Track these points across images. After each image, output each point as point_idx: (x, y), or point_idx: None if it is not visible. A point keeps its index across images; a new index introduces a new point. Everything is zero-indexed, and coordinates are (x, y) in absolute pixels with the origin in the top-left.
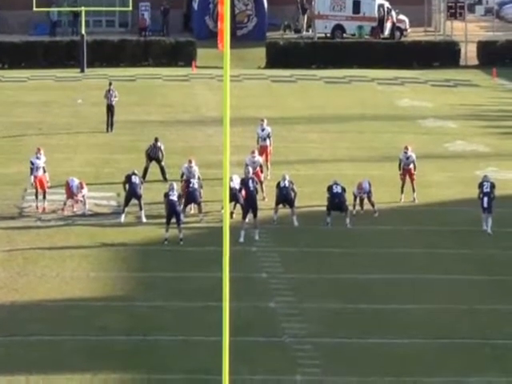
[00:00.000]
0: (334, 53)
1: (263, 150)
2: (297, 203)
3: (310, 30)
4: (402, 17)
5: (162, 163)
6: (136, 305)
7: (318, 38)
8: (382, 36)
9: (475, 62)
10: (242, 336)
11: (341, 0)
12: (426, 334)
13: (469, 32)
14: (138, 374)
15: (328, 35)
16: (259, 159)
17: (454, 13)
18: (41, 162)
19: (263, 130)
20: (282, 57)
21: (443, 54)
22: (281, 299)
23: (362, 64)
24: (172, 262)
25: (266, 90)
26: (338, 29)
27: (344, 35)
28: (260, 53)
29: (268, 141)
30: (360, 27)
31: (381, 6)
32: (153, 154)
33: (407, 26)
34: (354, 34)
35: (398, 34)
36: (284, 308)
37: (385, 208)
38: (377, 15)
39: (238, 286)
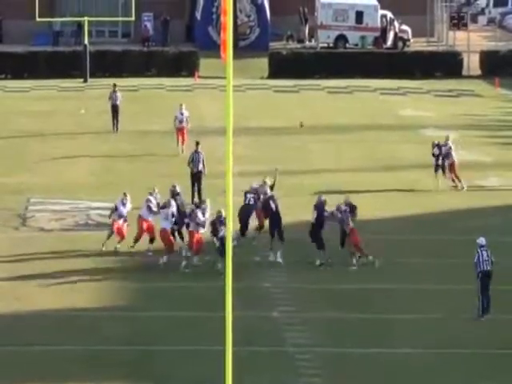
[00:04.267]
0: (337, 63)
1: (181, 131)
2: (296, 213)
3: (313, 40)
4: (404, 27)
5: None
6: (139, 315)
7: (321, 47)
8: (384, 46)
9: (478, 72)
10: (244, 346)
11: (344, 10)
12: (426, 344)
13: (471, 42)
14: None
15: (331, 45)
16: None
17: (457, 23)
18: (125, 211)
19: (182, 113)
20: (284, 67)
21: (446, 64)
22: (283, 309)
23: (364, 74)
24: (175, 271)
25: (268, 100)
26: (341, 39)
27: (347, 45)
28: (263, 63)
29: (185, 123)
30: (363, 37)
31: (383, 16)
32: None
33: (410, 36)
34: (356, 44)
35: (400, 44)
36: (286, 318)
37: (384, 217)
38: (379, 25)
39: (241, 295)
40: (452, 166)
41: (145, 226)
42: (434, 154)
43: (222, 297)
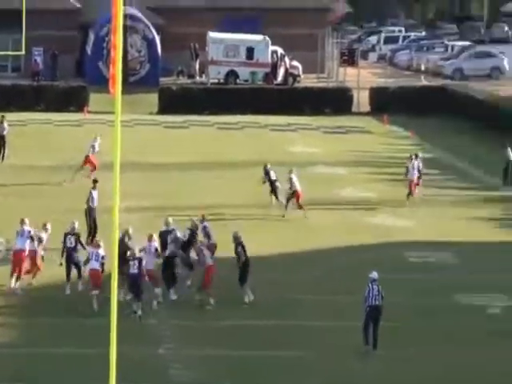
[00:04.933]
0: (227, 98)
1: (90, 160)
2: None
3: (204, 76)
4: (295, 63)
5: None
6: (20, 351)
7: (212, 83)
8: (275, 82)
9: (367, 108)
10: (128, 382)
11: (234, 46)
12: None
13: (362, 79)
14: None
15: (221, 81)
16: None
17: (347, 59)
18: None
19: (94, 145)
20: (174, 102)
21: (336, 101)
22: (168, 346)
23: (255, 110)
24: (64, 308)
25: (158, 136)
26: (232, 74)
27: (237, 81)
28: (153, 98)
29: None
30: (253, 73)
31: (274, 52)
32: None
33: (300, 72)
34: (247, 80)
35: (291, 80)
36: (171, 355)
37: (271, 253)
38: (270, 61)
39: (126, 331)
40: (296, 195)
41: (24, 257)
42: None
43: (107, 333)
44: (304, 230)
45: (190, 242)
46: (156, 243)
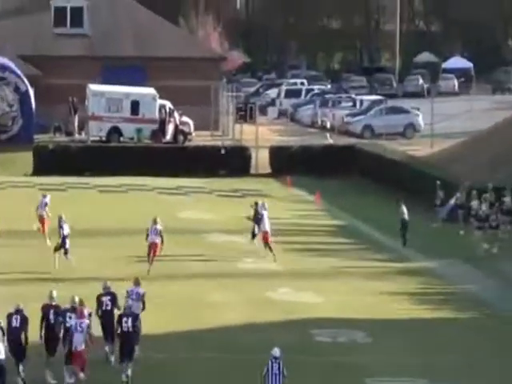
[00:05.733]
0: (110, 158)
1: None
2: None
3: (83, 133)
4: (185, 119)
5: None
6: None
7: (92, 141)
8: (163, 140)
9: (267, 169)
10: None
11: (117, 99)
12: None
13: (261, 136)
14: None
15: (103, 139)
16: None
17: (244, 115)
18: None
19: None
20: (51, 162)
21: (232, 161)
22: None
23: (141, 171)
24: None
25: (33, 200)
26: (115, 132)
27: (121, 139)
28: (27, 158)
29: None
30: (139, 130)
31: (162, 106)
32: None
33: (192, 129)
34: (132, 138)
35: (181, 137)
36: None
37: (160, 333)
38: (158, 117)
39: None
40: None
41: None
42: None
43: None
44: (201, 307)
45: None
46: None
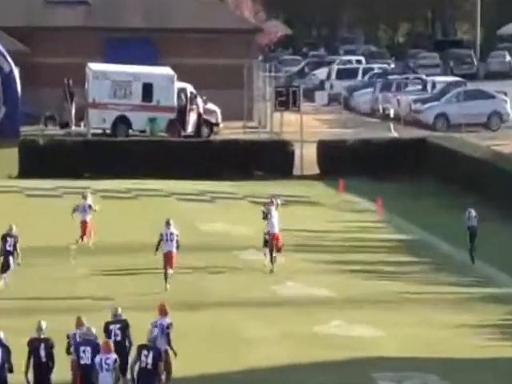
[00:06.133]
0: (116, 156)
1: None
2: None
3: (82, 125)
4: (211, 106)
5: None
6: None
7: (93, 134)
8: (183, 133)
9: (315, 169)
10: None
11: (125, 82)
12: None
13: (306, 128)
14: None
15: (107, 131)
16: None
17: (285, 101)
18: None
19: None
20: (42, 161)
21: (270, 159)
22: None
23: (154, 172)
24: None
25: (19, 208)
26: (122, 122)
27: (130, 132)
28: (11, 155)
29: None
30: (152, 120)
31: (182, 90)
32: None
33: (219, 120)
34: (143, 131)
35: (205, 130)
36: None
37: (189, 375)
38: (176, 104)
39: None
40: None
41: None
42: None
43: None
44: (236, 344)
45: None
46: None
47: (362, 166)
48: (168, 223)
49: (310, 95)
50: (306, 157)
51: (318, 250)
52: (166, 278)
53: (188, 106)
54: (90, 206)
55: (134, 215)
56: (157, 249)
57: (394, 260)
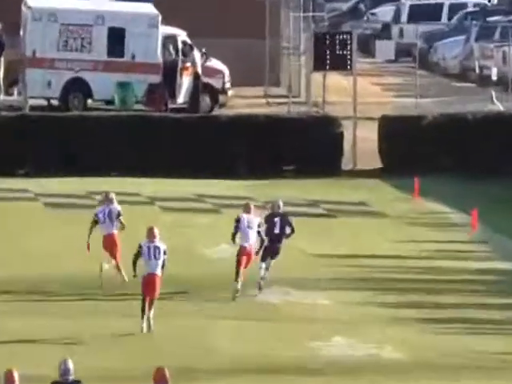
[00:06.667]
0: (67, 141)
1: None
2: None
3: (15, 91)
4: (215, 63)
5: None
6: None
7: (33, 107)
8: (171, 105)
9: (375, 162)
10: None
11: (82, 26)
12: None
13: (362, 98)
14: None
15: (55, 102)
16: None
17: (331, 56)
18: None
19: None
20: None
21: (306, 146)
22: None
23: (129, 167)
24: None
25: None
26: (76, 89)
27: (89, 102)
28: None
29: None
30: (123, 85)
31: (170, 39)
32: None
33: (227, 84)
34: (110, 101)
35: (206, 99)
36: None
37: None
38: (161, 60)
39: None
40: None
41: None
42: None
43: None
44: None
45: None
46: None
47: (449, 157)
48: (152, 234)
49: (367, 46)
50: (362, 142)
51: (383, 287)
52: (147, 311)
53: (179, 64)
54: (118, 214)
55: (95, 232)
56: (135, 267)
57: (497, 302)
